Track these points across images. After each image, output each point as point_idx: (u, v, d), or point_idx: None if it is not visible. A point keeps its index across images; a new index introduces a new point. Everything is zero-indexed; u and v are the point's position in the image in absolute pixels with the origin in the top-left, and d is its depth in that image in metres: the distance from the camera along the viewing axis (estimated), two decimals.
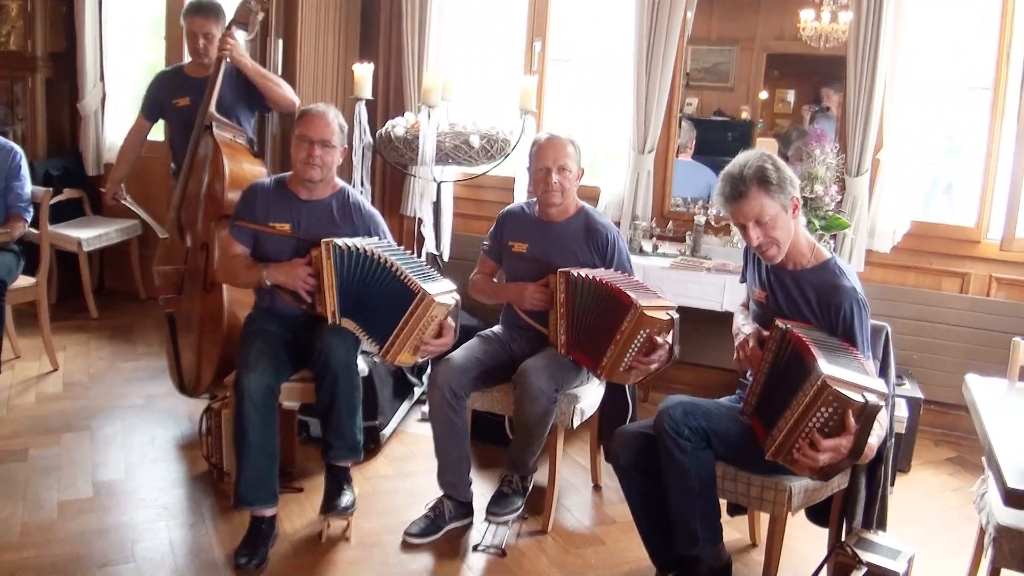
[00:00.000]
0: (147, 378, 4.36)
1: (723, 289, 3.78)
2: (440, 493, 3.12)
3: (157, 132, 4.30)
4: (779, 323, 2.50)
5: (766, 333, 2.61)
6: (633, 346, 2.86)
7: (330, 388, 2.94)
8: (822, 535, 2.91)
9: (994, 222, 4.06)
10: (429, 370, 4.11)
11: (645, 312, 2.81)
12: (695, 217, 4.06)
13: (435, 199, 3.99)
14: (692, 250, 4.01)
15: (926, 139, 4.03)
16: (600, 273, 3.02)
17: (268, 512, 2.89)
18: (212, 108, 3.66)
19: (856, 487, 2.74)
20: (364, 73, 4.01)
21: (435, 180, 3.95)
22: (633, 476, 2.69)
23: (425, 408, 4.03)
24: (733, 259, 3.99)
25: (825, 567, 2.63)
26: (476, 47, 4.78)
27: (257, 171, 3.64)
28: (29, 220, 4.12)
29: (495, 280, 3.39)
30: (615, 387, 3.30)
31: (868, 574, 2.53)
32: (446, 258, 4.31)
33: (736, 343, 2.72)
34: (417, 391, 4.11)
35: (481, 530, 3.12)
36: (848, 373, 2.27)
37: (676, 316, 2.90)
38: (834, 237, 3.96)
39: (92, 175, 5.44)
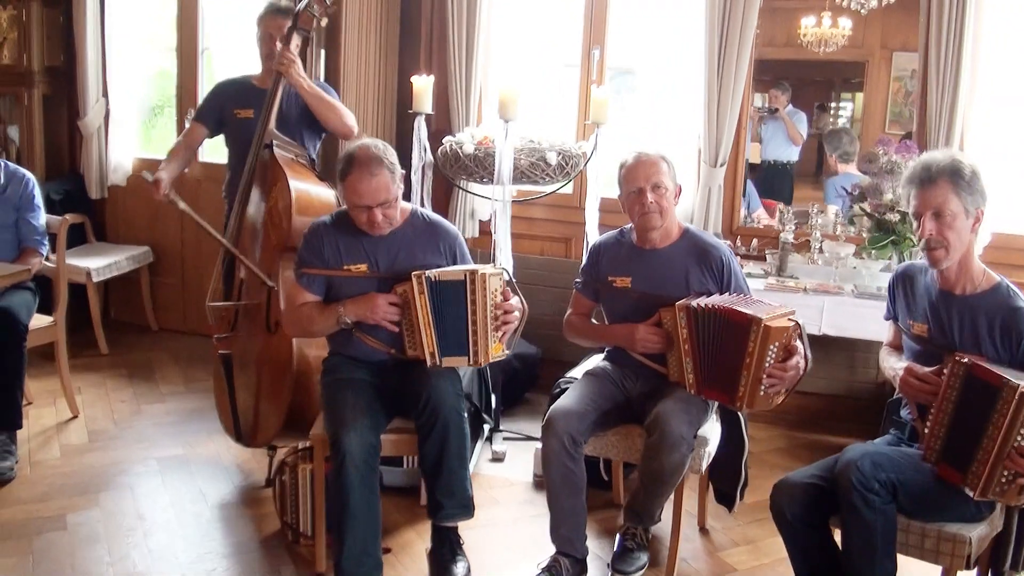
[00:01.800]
0: (179, 422, 3.96)
1: (821, 311, 3.52)
2: (553, 550, 2.78)
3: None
4: (959, 357, 2.26)
5: (925, 370, 2.37)
6: (767, 363, 2.57)
7: (439, 440, 2.60)
8: None
9: None
10: (495, 403, 3.83)
11: (769, 325, 2.54)
12: (781, 234, 3.80)
13: (507, 219, 3.66)
14: (779, 269, 3.75)
15: (1008, 146, 3.84)
16: (718, 300, 2.73)
17: None
18: (272, 125, 3.31)
19: (1010, 528, 2.51)
20: (424, 86, 3.67)
21: (504, 200, 3.63)
22: (799, 530, 2.41)
23: (497, 447, 3.73)
24: (818, 277, 3.75)
25: None
26: (526, 57, 4.47)
27: (325, 195, 3.29)
28: (45, 253, 3.70)
29: (593, 320, 3.08)
30: (729, 421, 3.02)
31: None
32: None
33: (896, 375, 2.47)
34: (487, 428, 3.78)
35: None
36: None
37: (800, 320, 2.65)
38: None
39: (95, 198, 5.00)
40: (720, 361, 2.67)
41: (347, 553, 2.51)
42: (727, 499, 3.15)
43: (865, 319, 3.46)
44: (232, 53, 4.73)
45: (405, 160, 4.51)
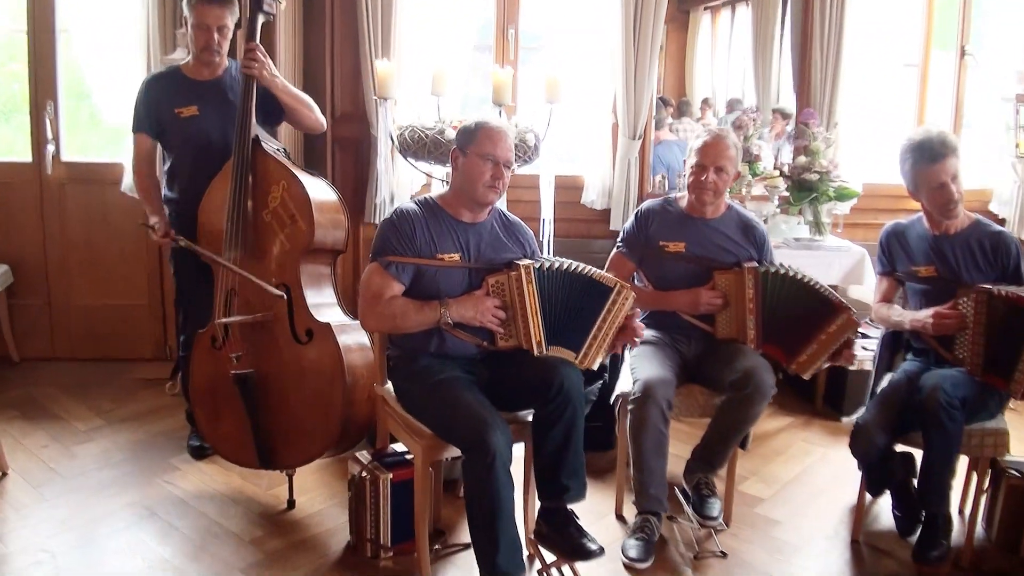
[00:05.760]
0: (131, 459, 3.51)
1: None
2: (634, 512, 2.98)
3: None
4: (981, 287, 2.78)
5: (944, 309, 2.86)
6: (835, 345, 2.94)
7: (568, 423, 2.64)
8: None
9: None
10: None
11: (854, 319, 2.92)
12: None
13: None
14: None
15: (873, 110, 4.57)
16: (791, 269, 3.04)
17: None
18: (253, 118, 3.04)
19: None
20: (388, 70, 3.53)
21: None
22: (879, 460, 2.91)
23: None
24: None
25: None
26: (437, 38, 4.42)
27: (328, 190, 3.13)
28: None
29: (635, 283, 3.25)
30: None
31: None
32: None
33: (925, 324, 2.88)
34: None
35: (679, 539, 3.04)
36: None
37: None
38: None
39: None
40: (787, 324, 2.98)
41: (503, 551, 2.49)
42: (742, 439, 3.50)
43: (804, 268, 3.96)
44: (97, 34, 4.11)
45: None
